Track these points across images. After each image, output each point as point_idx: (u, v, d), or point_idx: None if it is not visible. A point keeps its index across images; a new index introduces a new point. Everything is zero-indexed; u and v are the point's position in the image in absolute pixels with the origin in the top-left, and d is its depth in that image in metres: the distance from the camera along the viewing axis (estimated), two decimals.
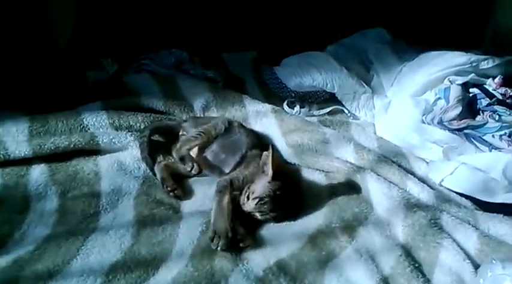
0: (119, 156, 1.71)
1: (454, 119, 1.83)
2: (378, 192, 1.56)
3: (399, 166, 1.75)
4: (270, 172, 1.49)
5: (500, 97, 1.92)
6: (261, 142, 1.81)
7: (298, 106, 2.14)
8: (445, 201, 1.57)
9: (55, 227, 1.44)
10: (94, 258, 1.34)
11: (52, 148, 1.66)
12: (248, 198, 1.47)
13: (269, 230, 1.48)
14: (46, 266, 1.30)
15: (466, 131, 1.81)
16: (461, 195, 1.63)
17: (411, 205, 1.50)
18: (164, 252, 1.37)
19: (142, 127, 1.81)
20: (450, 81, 1.95)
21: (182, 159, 1.66)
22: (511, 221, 1.49)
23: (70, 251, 1.35)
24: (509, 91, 1.92)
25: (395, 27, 2.57)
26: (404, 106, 1.96)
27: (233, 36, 2.56)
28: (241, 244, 1.38)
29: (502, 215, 1.49)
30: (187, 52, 2.34)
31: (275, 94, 2.21)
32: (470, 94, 1.96)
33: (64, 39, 2.16)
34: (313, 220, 1.51)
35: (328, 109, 2.15)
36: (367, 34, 2.52)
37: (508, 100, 1.90)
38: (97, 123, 1.78)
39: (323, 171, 1.70)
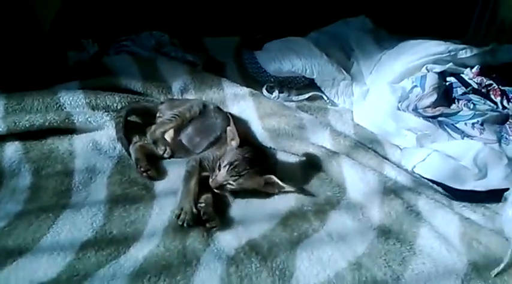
0: (94, 136, 1.70)
1: (428, 106, 1.85)
2: (354, 177, 1.58)
3: (375, 152, 1.77)
4: (236, 138, 1.51)
5: (475, 86, 1.94)
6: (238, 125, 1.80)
7: (277, 91, 2.14)
8: (422, 184, 1.60)
9: (27, 204, 1.44)
10: (65, 236, 1.34)
11: (27, 125, 1.64)
12: (219, 169, 1.47)
13: (241, 211, 1.49)
14: (16, 243, 1.30)
15: (439, 119, 1.83)
16: (432, 181, 1.65)
17: (388, 190, 1.52)
18: (136, 232, 1.38)
19: (119, 107, 1.80)
20: (427, 70, 1.96)
21: (155, 142, 1.66)
22: (479, 208, 1.53)
23: (41, 229, 1.35)
24: (485, 80, 1.94)
25: (379, 16, 2.58)
26: (382, 93, 1.97)
27: (216, 21, 2.54)
28: (207, 225, 1.39)
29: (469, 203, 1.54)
30: (169, 35, 2.32)
31: (254, 79, 2.21)
32: (447, 83, 1.99)
33: (48, 19, 2.15)
34: (285, 202, 1.52)
35: (306, 95, 2.15)
36: (350, 22, 2.52)
37: (483, 90, 1.92)
38: (73, 102, 1.77)
39: (298, 155, 1.70)
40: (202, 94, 1.94)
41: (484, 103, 1.87)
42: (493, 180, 1.62)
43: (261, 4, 2.59)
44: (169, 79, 1.98)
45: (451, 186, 1.62)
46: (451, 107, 1.89)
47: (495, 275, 1.28)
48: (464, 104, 1.88)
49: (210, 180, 1.49)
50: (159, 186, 1.57)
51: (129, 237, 1.35)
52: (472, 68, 2.02)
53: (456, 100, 1.92)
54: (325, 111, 2.05)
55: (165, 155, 1.63)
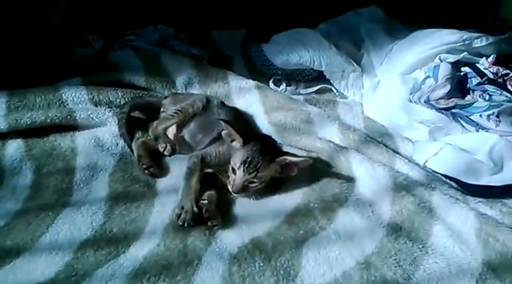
0: (96, 132, 1.67)
1: (441, 98, 1.77)
2: (363, 173, 1.52)
3: (385, 146, 1.71)
4: (238, 138, 1.46)
5: (491, 76, 1.85)
6: (242, 120, 1.76)
7: (284, 84, 2.09)
8: (436, 179, 1.54)
9: (26, 203, 1.41)
10: (64, 235, 1.31)
11: (28, 122, 1.61)
12: (234, 172, 1.43)
13: (244, 208, 1.44)
14: (15, 242, 1.28)
15: (453, 110, 1.75)
16: (445, 176, 1.59)
17: (399, 186, 1.46)
18: (136, 230, 1.35)
19: (122, 103, 1.76)
20: (441, 60, 1.89)
21: (156, 138, 1.62)
22: (496, 204, 1.46)
23: (40, 228, 1.33)
24: (501, 70, 1.85)
25: (391, 6, 2.48)
26: (393, 85, 1.90)
27: (223, 14, 2.49)
28: (209, 223, 1.35)
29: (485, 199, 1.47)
30: (175, 29, 2.28)
31: (261, 72, 2.15)
32: (461, 73, 1.91)
33: (58, 15, 2.12)
34: (291, 199, 1.47)
35: (315, 88, 2.09)
36: (361, 13, 2.44)
37: (499, 80, 1.84)
38: (76, 98, 1.74)
39: (305, 150, 1.64)
40: (207, 88, 1.90)
41: (501, 94, 1.78)
42: (510, 174, 1.54)
43: None
44: (174, 74, 1.94)
45: (465, 181, 1.55)
46: (466, 98, 1.81)
47: None
48: (479, 95, 1.80)
49: (229, 186, 1.44)
50: (161, 183, 1.54)
51: (129, 236, 1.33)
52: (487, 57, 1.93)
53: (471, 91, 1.85)
54: (334, 104, 1.99)
55: (166, 152, 1.58)
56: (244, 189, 1.43)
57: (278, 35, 2.23)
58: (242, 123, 1.73)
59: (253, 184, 1.44)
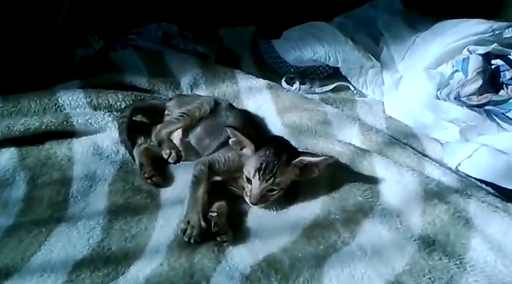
0: (95, 139, 1.56)
1: (473, 94, 1.63)
2: (389, 178, 1.39)
3: (412, 148, 1.57)
4: (249, 144, 1.32)
5: None
6: (253, 123, 1.63)
7: (298, 83, 1.97)
8: (471, 184, 1.41)
9: (18, 218, 1.30)
10: (57, 254, 1.20)
11: (22, 129, 1.51)
12: (249, 182, 1.29)
13: (257, 221, 1.31)
14: (4, 263, 1.18)
15: (487, 107, 1.63)
16: (480, 181, 1.45)
17: (430, 194, 1.33)
18: (137, 248, 1.23)
19: (123, 106, 1.65)
20: (469, 52, 1.73)
21: (160, 144, 1.49)
22: None
23: (32, 246, 1.22)
24: None
25: None
26: (417, 80, 1.77)
27: (231, 10, 2.36)
28: (218, 238, 1.22)
29: None
30: (180, 27, 2.17)
31: (273, 70, 2.03)
32: (493, 66, 1.76)
33: (60, 18, 2.02)
34: (309, 210, 1.34)
35: (331, 86, 1.97)
36: (378, 4, 2.31)
37: None
38: (73, 102, 1.63)
39: (323, 154, 1.48)
40: (214, 88, 1.78)
41: None
42: None
43: None
44: (178, 74, 1.83)
45: (504, 186, 1.42)
46: (499, 93, 1.66)
47: None
48: None
49: (247, 198, 1.31)
50: (165, 193, 1.41)
51: (129, 254, 1.21)
52: None
53: (504, 85, 1.70)
54: (353, 103, 1.86)
55: (170, 160, 1.45)
56: (263, 199, 1.30)
57: (290, 29, 2.10)
58: (252, 126, 1.60)
59: (273, 192, 1.31)
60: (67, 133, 1.56)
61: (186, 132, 1.54)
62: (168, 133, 1.52)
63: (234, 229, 1.26)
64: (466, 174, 1.46)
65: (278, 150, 1.32)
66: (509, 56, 1.77)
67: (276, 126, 1.64)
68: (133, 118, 1.62)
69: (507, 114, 1.57)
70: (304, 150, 1.45)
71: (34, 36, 1.83)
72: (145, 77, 1.79)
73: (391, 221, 1.30)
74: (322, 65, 1.98)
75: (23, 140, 1.51)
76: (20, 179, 1.42)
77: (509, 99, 1.59)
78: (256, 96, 1.74)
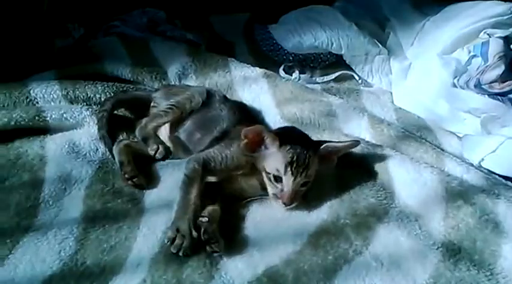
0: (71, 136, 1.39)
1: (494, 81, 1.49)
2: (404, 177, 1.24)
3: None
4: (274, 139, 1.15)
5: None
6: (249, 117, 1.47)
7: (297, 72, 1.83)
8: (499, 182, 1.26)
9: None
10: (23, 270, 1.04)
11: None
12: (278, 180, 1.14)
13: (255, 228, 1.15)
14: None
15: (511, 96, 1.46)
16: (506, 178, 1.30)
17: (453, 194, 1.17)
18: (116, 262, 1.07)
19: (102, 99, 1.49)
20: (488, 35, 1.58)
21: (145, 139, 1.32)
22: None
23: None
24: None
25: None
26: (430, 67, 1.63)
27: None
28: (208, 248, 1.06)
29: None
30: (168, 15, 2.01)
31: (269, 59, 1.90)
32: None
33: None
34: (315, 215, 1.18)
35: (334, 75, 1.83)
36: None
37: None
38: (46, 95, 1.47)
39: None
40: (205, 78, 1.62)
41: None
42: None
43: None
44: (165, 63, 1.67)
45: None
46: None
47: None
48: None
49: (277, 201, 1.16)
50: (150, 196, 1.24)
51: (106, 269, 1.05)
52: None
53: None
54: (358, 93, 1.72)
55: (158, 155, 1.29)
56: (296, 197, 1.15)
57: (288, 14, 1.97)
58: (249, 120, 1.43)
59: (304, 187, 1.17)
60: (39, 129, 1.40)
61: (174, 126, 1.38)
62: (154, 128, 1.35)
63: (228, 237, 1.10)
64: (489, 171, 1.32)
65: (302, 140, 1.18)
66: None
67: (274, 119, 1.49)
68: (115, 112, 1.47)
69: None
70: None
71: (17, 20, 1.66)
72: (128, 67, 1.63)
73: (410, 226, 1.14)
74: (324, 52, 1.85)
75: None
76: None
77: None
78: (252, 86, 1.58)
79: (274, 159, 1.15)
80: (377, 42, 1.82)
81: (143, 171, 1.29)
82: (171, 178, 1.27)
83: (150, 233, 1.12)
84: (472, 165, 1.30)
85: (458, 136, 1.48)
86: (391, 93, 1.73)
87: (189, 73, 1.63)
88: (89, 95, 1.49)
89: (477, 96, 1.48)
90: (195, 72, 1.63)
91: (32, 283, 1.01)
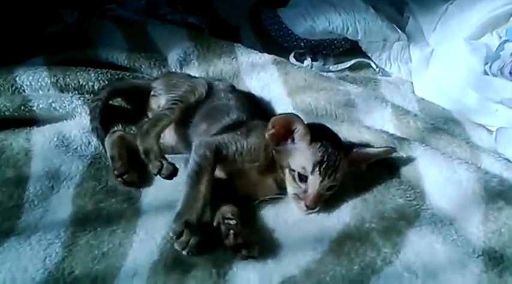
0: (60, 127, 1.28)
1: None
2: (436, 175, 1.09)
3: None
4: (306, 133, 1.03)
5: None
6: (259, 108, 1.35)
7: (309, 60, 1.71)
8: None
9: None
10: (1, 281, 0.92)
11: None
12: (303, 179, 1.02)
13: (269, 233, 1.02)
14: None
15: None
16: None
17: (492, 195, 1.03)
18: (109, 271, 0.94)
19: (96, 88, 1.36)
20: None
21: (147, 153, 1.11)
22: None
23: None
24: None
25: None
26: (456, 54, 1.49)
27: None
28: (243, 252, 0.94)
29: None
30: None
31: (279, 45, 1.76)
32: None
33: None
34: (336, 217, 1.05)
35: (349, 63, 1.70)
36: None
37: None
38: (34, 82, 1.35)
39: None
40: (209, 65, 1.48)
41: None
42: None
43: None
44: (164, 48, 1.53)
45: None
46: None
47: None
48: None
49: (298, 203, 1.03)
50: (148, 196, 1.12)
51: (97, 280, 0.92)
52: None
53: None
54: (376, 83, 1.59)
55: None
56: (320, 200, 1.04)
57: None
58: (259, 111, 1.31)
59: (329, 192, 1.06)
60: (25, 120, 1.28)
61: (179, 123, 1.24)
62: (158, 134, 1.16)
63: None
64: None
65: (333, 140, 1.07)
66: None
67: (286, 110, 1.33)
68: (110, 102, 1.33)
69: None
70: None
71: (6, 5, 1.53)
72: (124, 52, 1.50)
73: (444, 230, 1.00)
74: (338, 38, 1.73)
75: None
76: None
77: None
78: (261, 74, 1.44)
79: (302, 156, 1.02)
80: (396, 27, 1.69)
81: (139, 167, 1.15)
82: None
83: (147, 238, 1.00)
84: (510, 161, 1.16)
85: (488, 130, 1.35)
86: (412, 82, 1.60)
87: (191, 59, 1.50)
88: (80, 83, 1.36)
89: None
90: (198, 59, 1.49)
91: None
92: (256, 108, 1.32)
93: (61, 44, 1.58)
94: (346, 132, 1.22)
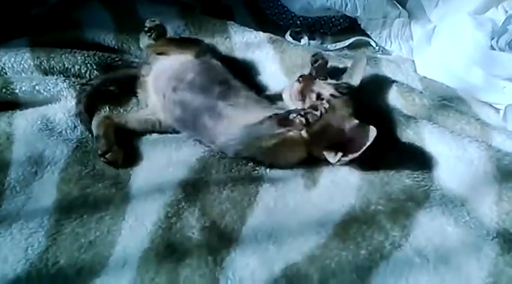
0: (45, 111, 1.19)
1: None
2: (446, 154, 1.03)
3: None
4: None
5: None
6: None
7: (306, 38, 1.59)
8: None
9: None
10: None
11: None
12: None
13: (268, 217, 0.95)
14: None
15: None
16: None
17: (505, 174, 0.97)
18: (97, 261, 0.89)
19: (83, 70, 1.28)
20: None
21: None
22: None
23: None
24: None
25: None
26: (460, 30, 1.41)
27: None
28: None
29: None
30: None
31: (274, 23, 1.65)
32: None
33: None
34: (340, 199, 0.98)
35: (348, 42, 1.59)
36: None
37: None
38: (16, 64, 1.26)
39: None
40: None
41: None
42: None
43: None
44: None
45: None
46: None
47: None
48: None
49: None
50: (137, 180, 1.04)
51: (84, 271, 0.87)
52: None
53: None
54: (376, 61, 1.48)
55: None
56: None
57: None
58: None
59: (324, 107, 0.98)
60: (7, 103, 1.19)
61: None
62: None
63: (235, 227, 0.90)
64: None
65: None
66: None
67: None
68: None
69: None
70: None
71: None
72: (111, 32, 1.41)
73: (456, 212, 0.94)
74: (336, 16, 1.61)
75: None
76: None
77: None
78: (256, 53, 1.36)
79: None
80: (396, 3, 1.59)
81: (120, 147, 1.09)
82: (162, 157, 1.08)
83: (137, 225, 0.93)
84: None
85: (495, 108, 1.29)
86: (413, 61, 1.52)
87: None
88: (66, 66, 1.27)
89: None
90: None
91: None
92: None
93: (46, 25, 1.47)
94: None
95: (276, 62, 1.33)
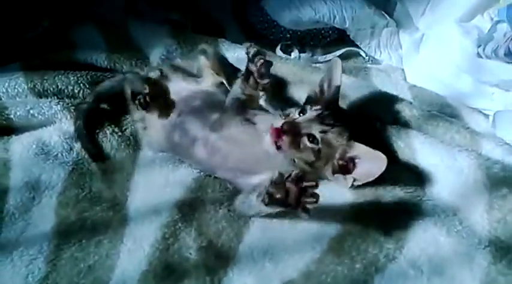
0: (40, 134, 1.19)
1: None
2: (436, 164, 1.04)
3: None
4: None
5: None
6: None
7: (296, 51, 1.61)
8: None
9: None
10: None
11: None
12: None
13: (263, 234, 0.95)
14: None
15: None
16: None
17: (495, 182, 0.97)
18: None
19: (76, 91, 1.29)
20: None
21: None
22: None
23: None
24: None
25: None
26: (448, 38, 1.42)
27: None
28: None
29: None
30: None
31: (264, 38, 1.66)
32: None
33: None
34: (333, 213, 0.98)
35: (338, 53, 1.61)
36: None
37: None
38: (10, 89, 1.27)
39: None
40: (193, 62, 1.38)
41: None
42: None
43: None
44: (146, 48, 1.45)
45: None
46: None
47: None
48: None
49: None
50: (135, 201, 1.05)
51: None
52: None
53: None
54: (366, 71, 1.51)
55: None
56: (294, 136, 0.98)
57: None
58: None
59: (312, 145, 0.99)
60: (3, 129, 1.19)
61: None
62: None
63: (231, 245, 0.92)
64: None
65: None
66: None
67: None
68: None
69: None
70: None
71: None
72: (103, 53, 1.41)
73: (448, 222, 0.95)
74: (325, 28, 1.61)
75: None
76: None
77: None
78: None
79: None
80: (384, 14, 1.61)
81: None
82: (160, 177, 1.09)
83: (136, 248, 0.94)
84: (511, 145, 1.11)
85: (484, 114, 1.30)
86: (403, 69, 1.54)
87: (174, 57, 1.41)
88: (59, 87, 1.28)
89: (508, 66, 1.28)
90: (182, 56, 1.42)
91: None
92: None
93: (39, 48, 1.48)
94: None
95: None
